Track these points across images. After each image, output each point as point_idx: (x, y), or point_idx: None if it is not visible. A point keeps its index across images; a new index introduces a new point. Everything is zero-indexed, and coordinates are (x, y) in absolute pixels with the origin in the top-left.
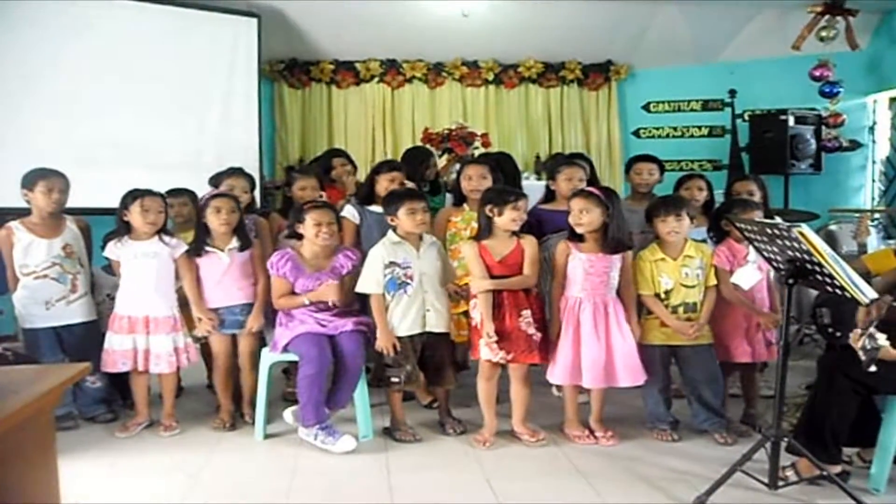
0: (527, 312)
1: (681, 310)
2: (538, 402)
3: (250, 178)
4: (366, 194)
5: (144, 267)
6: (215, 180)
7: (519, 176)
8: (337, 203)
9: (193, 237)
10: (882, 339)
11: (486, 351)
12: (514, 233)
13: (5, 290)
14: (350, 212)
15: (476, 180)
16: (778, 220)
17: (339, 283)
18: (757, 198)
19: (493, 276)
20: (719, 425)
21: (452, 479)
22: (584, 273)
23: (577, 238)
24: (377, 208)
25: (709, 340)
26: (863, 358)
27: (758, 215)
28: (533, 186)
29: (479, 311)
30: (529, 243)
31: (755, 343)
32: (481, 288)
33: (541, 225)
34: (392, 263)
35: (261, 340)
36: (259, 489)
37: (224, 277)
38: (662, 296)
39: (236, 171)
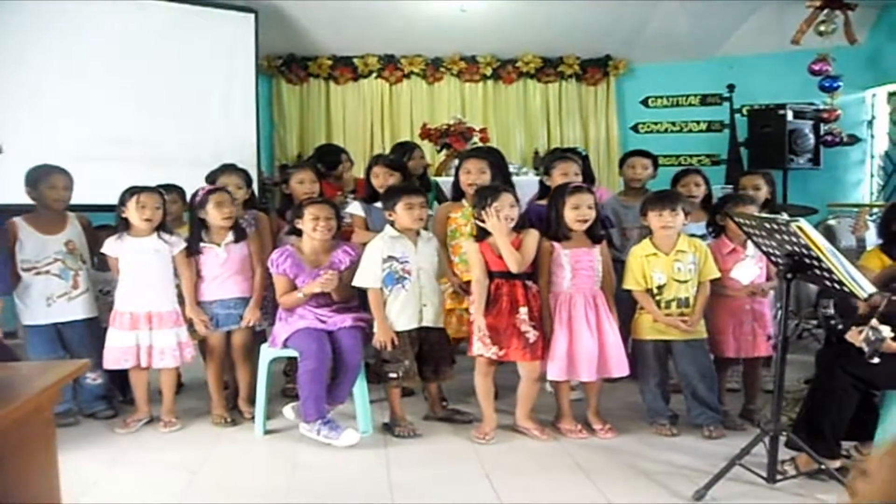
0: (524, 310)
1: (674, 305)
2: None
3: (245, 173)
4: (370, 193)
5: (145, 263)
6: (212, 177)
7: (507, 171)
8: (332, 198)
9: (189, 233)
10: (886, 330)
11: (479, 345)
12: (514, 229)
13: (8, 290)
14: (357, 207)
15: (475, 174)
16: (785, 215)
17: (336, 275)
18: (763, 192)
19: (494, 271)
20: (713, 420)
21: (452, 474)
22: (572, 269)
23: (556, 235)
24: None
25: (702, 336)
26: (866, 350)
27: (752, 210)
28: (529, 182)
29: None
30: (529, 235)
31: (742, 339)
32: (476, 277)
33: (539, 220)
34: (390, 258)
35: (255, 334)
36: (259, 485)
37: (221, 272)
38: (655, 291)
39: (229, 168)
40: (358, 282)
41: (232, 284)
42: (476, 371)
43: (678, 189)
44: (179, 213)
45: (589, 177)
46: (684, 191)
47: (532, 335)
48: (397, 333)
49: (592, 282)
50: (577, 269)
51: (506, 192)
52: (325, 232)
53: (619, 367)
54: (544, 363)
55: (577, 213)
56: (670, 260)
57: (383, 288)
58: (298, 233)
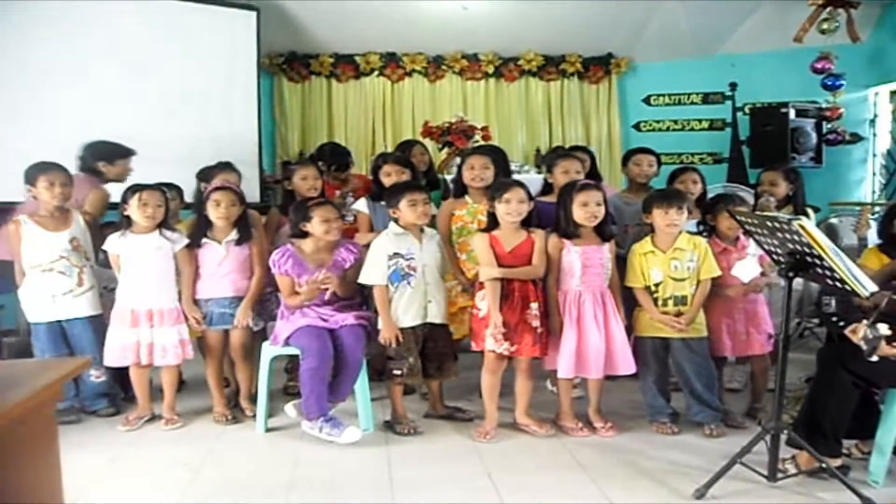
0: (534, 305)
1: (670, 303)
2: (533, 396)
3: (237, 173)
4: (378, 192)
5: (147, 261)
6: (204, 174)
7: (509, 169)
8: (332, 197)
9: (192, 229)
10: (884, 328)
11: (491, 341)
12: (524, 226)
13: (12, 288)
14: (363, 205)
15: (479, 170)
16: (811, 212)
17: (339, 275)
18: (782, 189)
19: (502, 266)
20: (712, 417)
21: (453, 472)
22: (582, 266)
23: (567, 232)
24: None
25: (701, 334)
26: (864, 347)
27: (744, 210)
28: (531, 180)
29: (487, 301)
30: (539, 236)
31: (736, 338)
32: (490, 276)
33: (538, 217)
34: (396, 255)
35: (254, 333)
36: (260, 482)
37: (218, 269)
38: (653, 288)
39: (227, 166)
40: (364, 279)
41: (229, 283)
42: (484, 368)
43: (676, 186)
44: (177, 211)
45: (595, 175)
46: (681, 188)
47: (541, 330)
48: (402, 330)
49: (601, 279)
50: (588, 265)
51: (518, 186)
52: (337, 233)
53: (626, 365)
54: (549, 358)
55: (585, 209)
56: (667, 258)
57: (389, 285)
58: (302, 235)
